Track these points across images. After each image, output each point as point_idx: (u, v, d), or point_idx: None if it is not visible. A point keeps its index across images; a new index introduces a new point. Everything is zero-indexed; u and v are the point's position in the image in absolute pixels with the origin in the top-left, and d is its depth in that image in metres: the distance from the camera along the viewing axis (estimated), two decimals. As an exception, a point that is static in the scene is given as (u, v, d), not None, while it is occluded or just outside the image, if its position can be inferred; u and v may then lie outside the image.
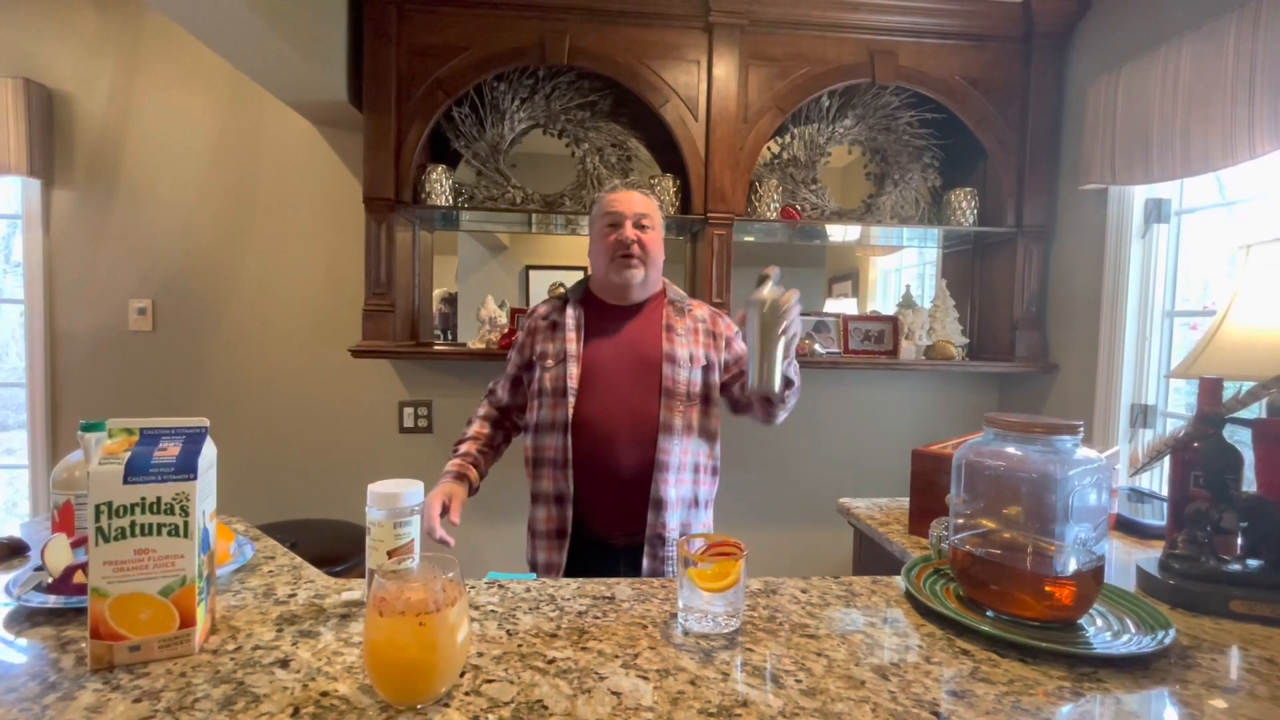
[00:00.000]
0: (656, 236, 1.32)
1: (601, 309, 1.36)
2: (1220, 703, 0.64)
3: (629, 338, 1.32)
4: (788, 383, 1.20)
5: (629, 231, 1.28)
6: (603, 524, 1.28)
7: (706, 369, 1.32)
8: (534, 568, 1.30)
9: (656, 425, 1.25)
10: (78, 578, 0.78)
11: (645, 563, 1.24)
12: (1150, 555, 0.97)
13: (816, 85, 2.14)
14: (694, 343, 1.32)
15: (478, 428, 1.40)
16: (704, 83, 2.10)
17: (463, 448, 1.36)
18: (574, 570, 1.25)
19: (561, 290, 1.46)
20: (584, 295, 1.39)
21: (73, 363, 2.27)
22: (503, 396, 1.42)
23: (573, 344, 1.29)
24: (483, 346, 2.15)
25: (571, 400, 1.26)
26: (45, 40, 2.19)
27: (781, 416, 1.30)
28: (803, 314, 2.29)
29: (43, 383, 2.25)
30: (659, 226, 1.34)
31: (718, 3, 2.04)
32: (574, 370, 1.27)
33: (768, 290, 1.07)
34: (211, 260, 2.29)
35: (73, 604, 0.75)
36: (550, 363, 1.30)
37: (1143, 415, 1.92)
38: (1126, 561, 1.08)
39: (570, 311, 1.34)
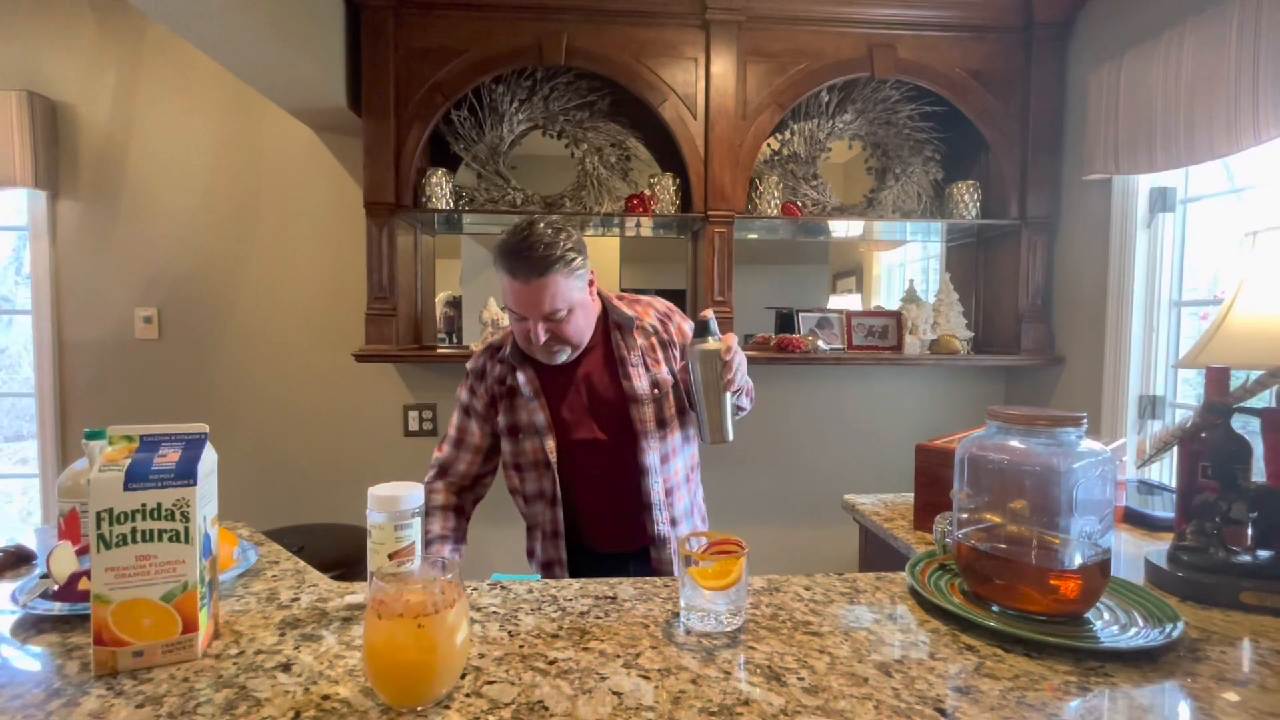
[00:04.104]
0: (575, 314, 1.13)
1: (548, 365, 1.22)
2: (1231, 695, 0.63)
3: (588, 389, 1.23)
4: (738, 410, 1.23)
5: (540, 335, 1.12)
6: (605, 547, 1.31)
7: (673, 383, 1.27)
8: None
9: (638, 469, 1.22)
10: (82, 584, 0.79)
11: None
12: (1160, 548, 0.96)
13: (815, 80, 2.13)
14: (653, 364, 1.24)
15: (441, 524, 1.21)
16: (702, 80, 2.10)
17: (437, 552, 1.22)
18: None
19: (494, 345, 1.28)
20: (524, 353, 1.22)
21: (80, 372, 2.28)
22: (468, 470, 1.28)
23: (540, 414, 1.21)
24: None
25: (554, 475, 1.23)
26: (47, 53, 2.21)
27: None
28: (804, 311, 2.32)
29: (51, 392, 2.27)
30: (576, 301, 1.12)
31: None
32: (550, 444, 1.21)
33: (709, 341, 1.05)
34: (215, 268, 2.30)
35: (77, 610, 0.76)
36: (522, 436, 1.24)
37: (1151, 406, 1.90)
38: (1136, 554, 1.06)
39: (522, 376, 1.21)
